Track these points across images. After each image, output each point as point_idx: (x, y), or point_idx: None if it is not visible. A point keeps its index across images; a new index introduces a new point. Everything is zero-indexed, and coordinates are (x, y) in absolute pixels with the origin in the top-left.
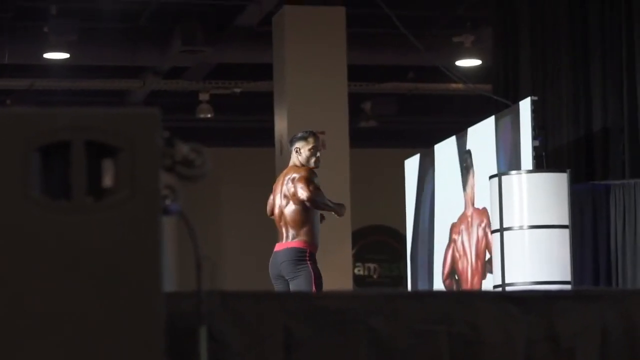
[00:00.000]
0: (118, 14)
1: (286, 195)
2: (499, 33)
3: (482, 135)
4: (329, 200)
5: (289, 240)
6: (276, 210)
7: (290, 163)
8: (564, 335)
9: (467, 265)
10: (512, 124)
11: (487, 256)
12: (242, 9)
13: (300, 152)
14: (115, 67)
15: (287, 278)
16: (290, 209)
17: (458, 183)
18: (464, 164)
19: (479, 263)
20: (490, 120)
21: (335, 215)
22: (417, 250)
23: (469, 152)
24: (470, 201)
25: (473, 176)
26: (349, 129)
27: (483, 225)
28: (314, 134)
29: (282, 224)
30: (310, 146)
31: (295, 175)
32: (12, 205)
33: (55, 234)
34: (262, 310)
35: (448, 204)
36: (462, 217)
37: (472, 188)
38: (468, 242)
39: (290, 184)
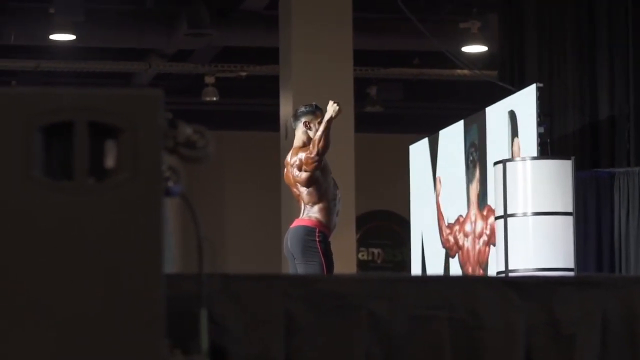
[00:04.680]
0: None
1: (296, 175)
2: (505, 19)
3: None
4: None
5: (302, 216)
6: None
7: (298, 140)
8: (564, 322)
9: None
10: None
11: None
12: None
13: (311, 127)
14: (121, 49)
15: (296, 260)
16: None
17: (462, 170)
18: (470, 158)
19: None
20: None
21: (333, 117)
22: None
23: (474, 145)
24: (475, 200)
25: (478, 171)
26: (354, 114)
27: (486, 235)
28: (319, 108)
29: (299, 197)
30: (319, 120)
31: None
32: (13, 185)
33: (57, 215)
34: (263, 293)
35: (451, 192)
36: (466, 219)
37: (477, 184)
38: (472, 249)
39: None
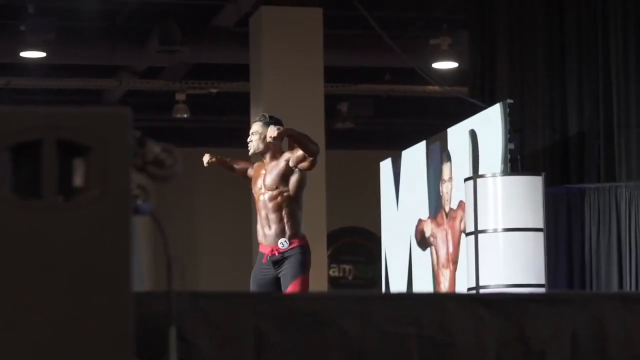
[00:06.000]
0: (95, 13)
1: None
2: (476, 36)
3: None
4: None
5: None
6: None
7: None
8: (535, 339)
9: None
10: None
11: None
12: (220, 9)
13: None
14: (92, 66)
15: None
16: None
17: (424, 189)
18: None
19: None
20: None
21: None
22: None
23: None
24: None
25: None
26: (325, 130)
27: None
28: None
29: None
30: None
31: None
32: None
33: (25, 233)
34: (232, 311)
35: (413, 208)
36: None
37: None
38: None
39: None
